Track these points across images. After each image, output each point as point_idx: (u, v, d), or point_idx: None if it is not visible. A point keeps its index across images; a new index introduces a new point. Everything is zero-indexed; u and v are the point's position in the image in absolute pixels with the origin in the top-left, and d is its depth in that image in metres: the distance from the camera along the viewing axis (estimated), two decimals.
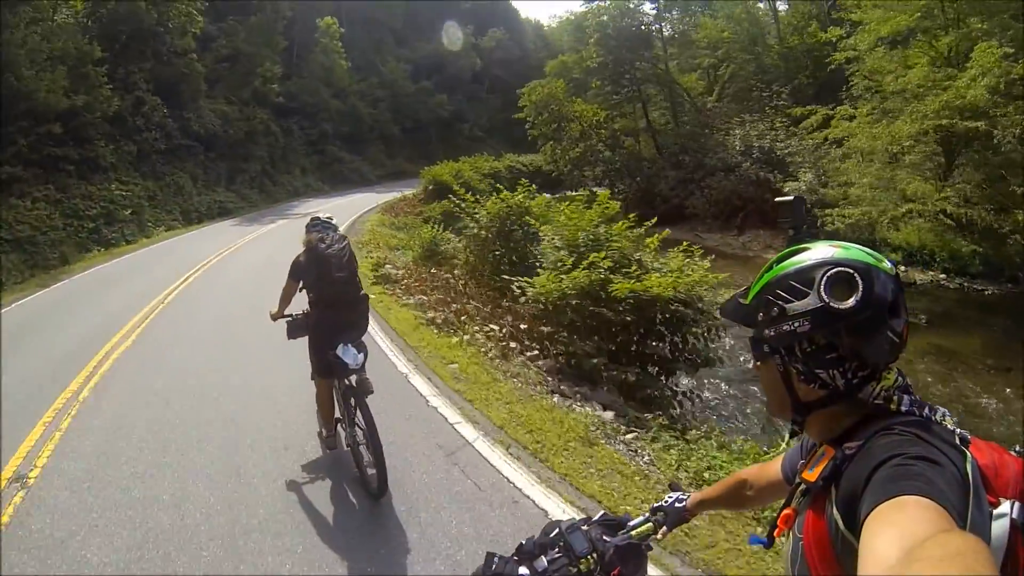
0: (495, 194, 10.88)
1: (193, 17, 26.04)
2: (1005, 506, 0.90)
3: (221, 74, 31.85)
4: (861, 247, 1.06)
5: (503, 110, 63.68)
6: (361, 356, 4.14)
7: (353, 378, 4.14)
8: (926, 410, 1.01)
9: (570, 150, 26.57)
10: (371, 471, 4.09)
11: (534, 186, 11.34)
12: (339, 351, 4.05)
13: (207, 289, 11.82)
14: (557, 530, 1.49)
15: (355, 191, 35.83)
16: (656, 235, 8.78)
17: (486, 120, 60.99)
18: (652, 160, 26.15)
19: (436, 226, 13.73)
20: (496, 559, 1.42)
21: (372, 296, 6.58)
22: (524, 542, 1.49)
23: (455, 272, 11.03)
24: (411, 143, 50.92)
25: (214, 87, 30.58)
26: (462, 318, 8.44)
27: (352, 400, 4.16)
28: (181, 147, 26.28)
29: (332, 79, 40.59)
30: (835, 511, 0.93)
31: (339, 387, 4.40)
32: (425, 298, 9.61)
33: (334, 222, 4.54)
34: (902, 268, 14.53)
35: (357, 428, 4.19)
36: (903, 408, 1.01)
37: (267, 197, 31.38)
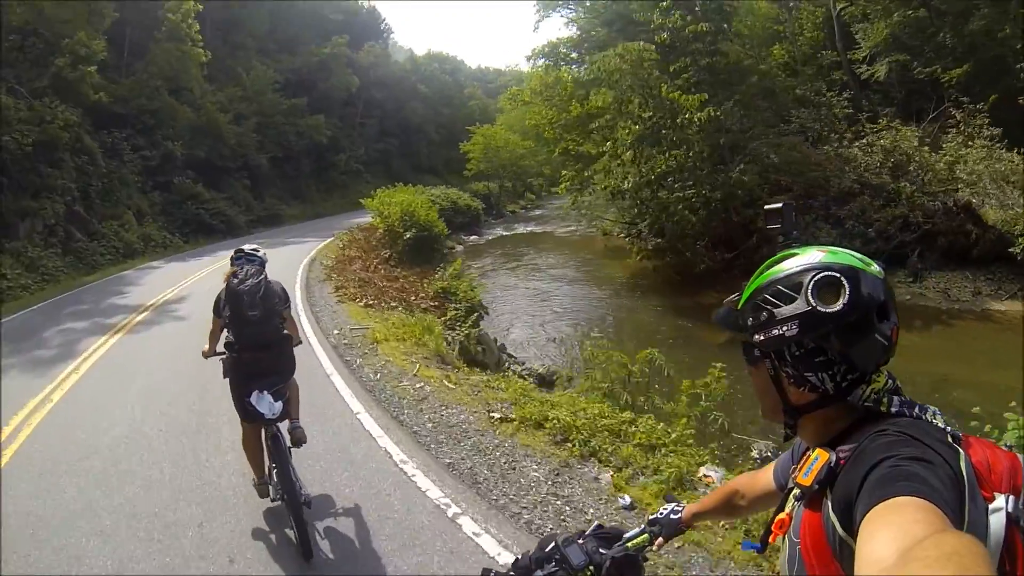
0: None
1: None
2: (1000, 500, 0.91)
3: (5, 54, 18.27)
4: (850, 251, 1.07)
5: (379, 139, 54.41)
6: (279, 404, 3.82)
7: (284, 425, 3.98)
8: (916, 410, 1.01)
9: (651, 160, 16.48)
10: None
11: None
12: (253, 399, 3.73)
13: None
14: (553, 544, 1.48)
15: (225, 246, 23.00)
16: None
17: (363, 150, 50.66)
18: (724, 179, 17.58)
19: None
20: (492, 574, 1.42)
21: None
22: (520, 556, 1.48)
23: None
24: (280, 178, 38.76)
25: None
26: None
27: (275, 452, 3.80)
28: None
29: (183, 78, 27.20)
30: (831, 514, 0.93)
31: (266, 434, 3.95)
32: None
33: (260, 253, 4.19)
34: None
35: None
36: (893, 410, 1.01)
37: (77, 263, 17.89)
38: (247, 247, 4.24)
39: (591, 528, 1.54)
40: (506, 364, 10.34)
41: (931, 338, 13.68)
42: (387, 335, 8.64)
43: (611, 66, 16.26)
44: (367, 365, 7.55)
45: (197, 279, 15.43)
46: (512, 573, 1.43)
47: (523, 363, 10.87)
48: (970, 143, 18.02)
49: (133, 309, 12.19)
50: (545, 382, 9.62)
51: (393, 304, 10.79)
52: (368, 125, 53.52)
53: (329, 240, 22.79)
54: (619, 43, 16.98)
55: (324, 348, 8.41)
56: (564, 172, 20.93)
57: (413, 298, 11.23)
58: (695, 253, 16.98)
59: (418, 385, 6.67)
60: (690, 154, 15.95)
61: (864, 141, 19.23)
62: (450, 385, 6.65)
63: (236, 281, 3.81)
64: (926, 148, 18.46)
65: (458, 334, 8.96)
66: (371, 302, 11.01)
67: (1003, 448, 0.99)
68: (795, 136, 20.03)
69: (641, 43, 16.17)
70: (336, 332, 9.24)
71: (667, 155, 15.89)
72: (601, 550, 1.46)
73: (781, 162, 18.44)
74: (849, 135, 19.97)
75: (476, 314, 10.22)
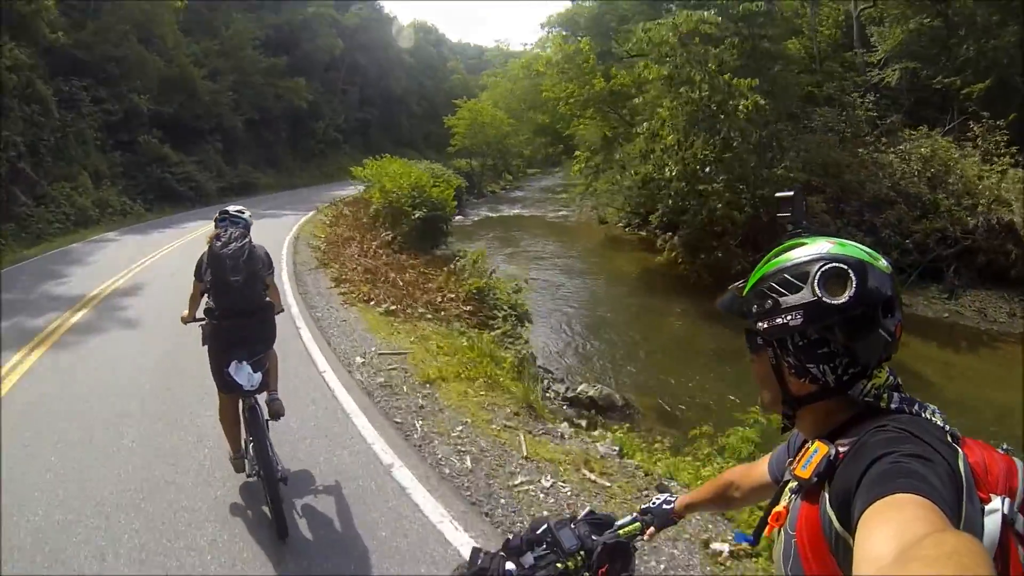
0: None
1: None
2: (996, 501, 0.90)
3: None
4: (858, 244, 1.04)
5: (360, 108, 52.03)
6: (258, 376, 3.66)
7: (263, 397, 3.88)
8: (916, 407, 1.00)
9: (696, 148, 14.72)
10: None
11: None
12: (231, 369, 3.57)
13: None
14: (545, 526, 1.45)
15: (192, 216, 20.70)
16: None
17: (343, 119, 48.03)
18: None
19: None
20: (482, 555, 1.38)
21: None
22: (511, 538, 1.45)
23: None
24: (255, 143, 36.30)
25: None
26: None
27: (252, 425, 3.66)
28: None
29: (154, 26, 24.49)
30: (829, 508, 0.92)
31: (243, 406, 3.82)
32: None
33: (246, 215, 4.01)
34: None
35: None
36: (893, 406, 1.00)
37: (19, 231, 15.51)
38: (232, 208, 4.08)
39: (583, 513, 1.52)
40: (544, 382, 8.62)
41: (981, 361, 12.87)
42: (440, 369, 6.02)
43: (660, 37, 14.37)
44: (436, 435, 4.83)
45: (159, 257, 13.19)
46: (503, 554, 1.39)
47: (561, 379, 9.18)
48: (992, 159, 17.46)
49: (70, 303, 9.34)
50: (598, 408, 7.97)
51: (420, 309, 8.52)
52: (349, 92, 51.09)
53: (311, 214, 20.89)
54: (681, 12, 15.10)
55: (353, 396, 5.60)
56: (578, 153, 19.19)
57: (440, 299, 9.01)
58: (728, 252, 15.53)
59: (546, 483, 4.12)
60: (734, 144, 14.30)
61: (901, 147, 18.24)
62: (599, 479, 4.17)
63: (219, 244, 3.67)
64: (968, 160, 17.59)
65: (513, 355, 6.95)
66: (392, 307, 8.54)
67: (999, 451, 0.99)
68: (822, 135, 18.84)
69: (705, 12, 14.32)
70: (360, 361, 6.46)
71: (715, 141, 14.22)
72: (593, 536, 1.44)
73: (806, 160, 17.27)
74: (884, 140, 19.04)
75: (523, 326, 8.30)
